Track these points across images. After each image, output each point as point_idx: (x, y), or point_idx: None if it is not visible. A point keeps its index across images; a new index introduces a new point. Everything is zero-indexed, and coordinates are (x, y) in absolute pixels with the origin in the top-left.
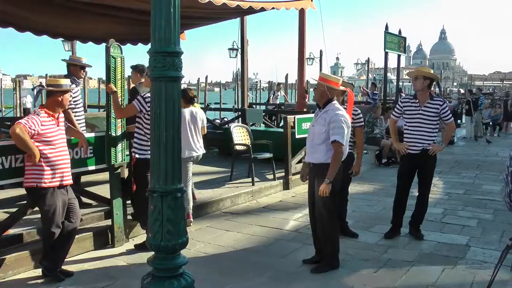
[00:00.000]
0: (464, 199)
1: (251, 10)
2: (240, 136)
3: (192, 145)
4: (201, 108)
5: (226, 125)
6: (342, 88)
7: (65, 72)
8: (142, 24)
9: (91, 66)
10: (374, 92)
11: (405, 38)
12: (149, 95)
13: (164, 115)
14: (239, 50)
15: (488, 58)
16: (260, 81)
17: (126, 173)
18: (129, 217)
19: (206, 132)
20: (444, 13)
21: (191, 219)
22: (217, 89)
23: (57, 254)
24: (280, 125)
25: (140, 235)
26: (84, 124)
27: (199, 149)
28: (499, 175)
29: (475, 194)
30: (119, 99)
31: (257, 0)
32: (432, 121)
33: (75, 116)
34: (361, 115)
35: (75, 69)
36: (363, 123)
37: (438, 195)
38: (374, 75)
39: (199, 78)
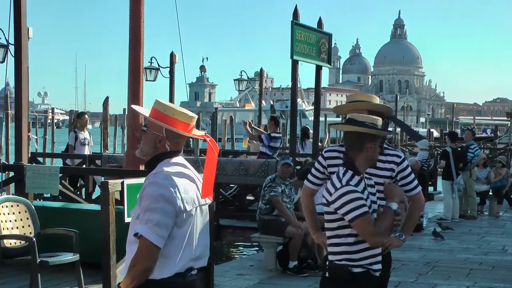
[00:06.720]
0: None
1: None
2: (12, 221)
3: None
4: None
5: None
6: (198, 133)
7: None
8: None
9: None
10: (275, 134)
11: (329, 36)
12: None
13: None
14: (10, 47)
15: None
16: (53, 109)
17: None
18: None
19: None
20: None
21: None
22: None
23: None
24: (95, 196)
25: None
26: None
27: None
28: None
29: None
30: None
31: None
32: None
33: None
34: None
35: None
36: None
37: None
38: (272, 101)
39: None
